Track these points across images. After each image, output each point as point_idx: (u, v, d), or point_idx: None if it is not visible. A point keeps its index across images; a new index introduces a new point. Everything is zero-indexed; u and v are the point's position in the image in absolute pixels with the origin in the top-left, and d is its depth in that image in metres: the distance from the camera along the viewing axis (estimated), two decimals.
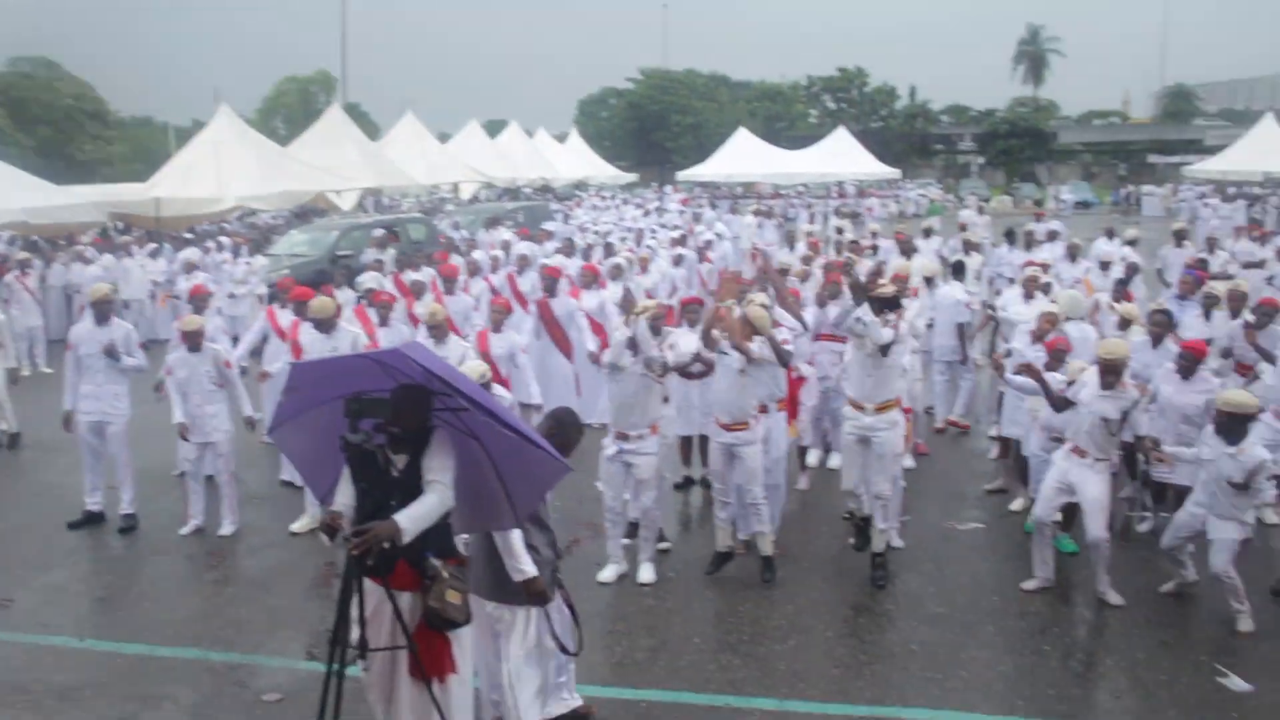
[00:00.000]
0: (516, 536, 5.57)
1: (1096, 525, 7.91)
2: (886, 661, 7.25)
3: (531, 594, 5.63)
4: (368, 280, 13.90)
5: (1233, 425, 7.48)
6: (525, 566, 5.57)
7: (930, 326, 12.60)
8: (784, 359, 8.66)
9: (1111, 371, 7.87)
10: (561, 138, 55.63)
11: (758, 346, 8.29)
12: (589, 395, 12.74)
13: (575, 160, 52.58)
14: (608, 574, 8.61)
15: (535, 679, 5.77)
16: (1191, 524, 7.81)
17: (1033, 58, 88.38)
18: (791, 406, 10.08)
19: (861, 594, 8.37)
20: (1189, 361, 8.72)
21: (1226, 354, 10.49)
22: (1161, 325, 9.79)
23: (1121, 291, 12.89)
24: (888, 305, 8.31)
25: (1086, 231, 32.52)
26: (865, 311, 8.02)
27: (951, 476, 11.42)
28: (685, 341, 8.96)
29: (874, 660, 7.28)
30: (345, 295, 13.23)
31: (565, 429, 6.01)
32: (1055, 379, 8.32)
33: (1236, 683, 6.81)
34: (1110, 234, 18.57)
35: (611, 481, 8.50)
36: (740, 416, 8.33)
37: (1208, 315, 11.10)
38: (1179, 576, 8.13)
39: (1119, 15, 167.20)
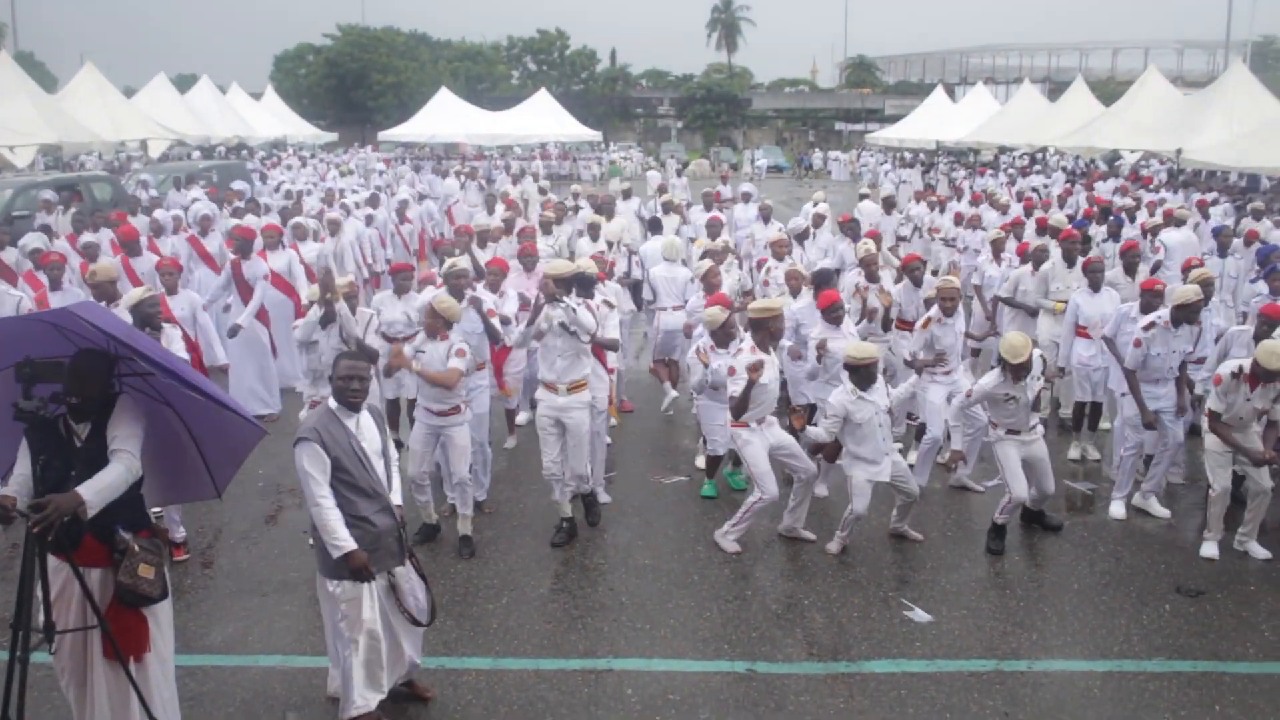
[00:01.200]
0: (327, 511, 5.36)
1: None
2: (598, 614, 7.31)
3: (352, 569, 5.39)
4: (32, 240, 12.82)
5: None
6: (339, 541, 5.34)
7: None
8: (494, 337, 8.79)
9: (758, 329, 8.22)
10: (257, 95, 53.02)
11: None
12: (285, 359, 12.34)
13: (272, 119, 50.23)
14: None
15: (367, 656, 5.55)
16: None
17: (726, 25, 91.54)
18: (498, 371, 10.08)
19: (571, 549, 8.41)
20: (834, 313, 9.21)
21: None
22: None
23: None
24: (584, 289, 8.51)
25: (779, 195, 34.04)
26: (565, 311, 8.07)
27: (655, 432, 11.67)
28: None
29: (585, 614, 7.32)
30: (10, 256, 12.16)
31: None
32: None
33: (919, 615, 7.28)
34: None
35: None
36: (450, 400, 8.15)
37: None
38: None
39: None
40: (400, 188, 24.86)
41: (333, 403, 5.62)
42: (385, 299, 9.94)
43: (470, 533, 8.42)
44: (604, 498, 9.24)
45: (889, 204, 21.06)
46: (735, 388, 8.01)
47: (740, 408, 8.05)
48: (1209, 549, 8.31)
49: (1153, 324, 8.86)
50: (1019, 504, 8.36)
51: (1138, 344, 8.87)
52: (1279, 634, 7.08)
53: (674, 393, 12.04)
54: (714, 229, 13.44)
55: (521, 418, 11.28)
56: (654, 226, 14.21)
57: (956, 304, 9.56)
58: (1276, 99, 30.83)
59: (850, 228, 14.65)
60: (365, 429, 5.62)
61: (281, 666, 6.57)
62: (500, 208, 18.14)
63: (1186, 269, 11.00)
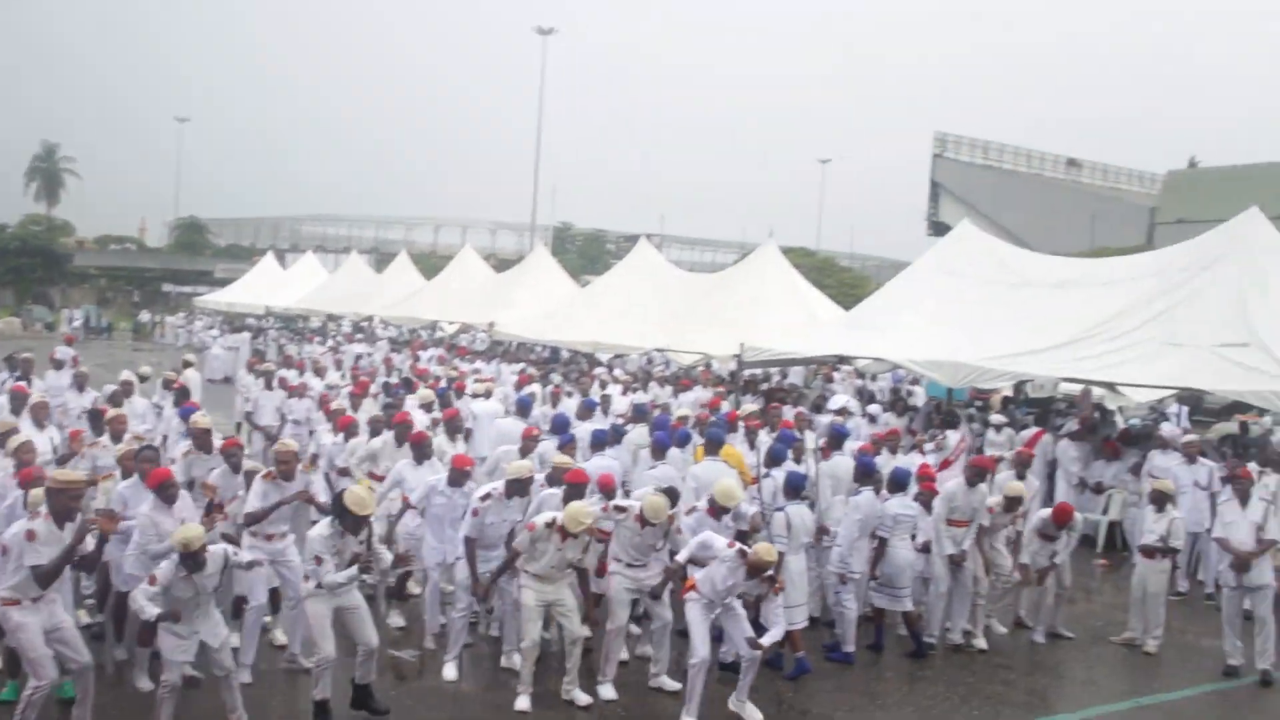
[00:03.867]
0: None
1: None
2: None
3: None
4: None
5: None
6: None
7: None
8: None
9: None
10: None
11: None
12: None
13: None
14: None
15: None
16: None
17: (47, 175, 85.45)
18: None
19: None
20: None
21: None
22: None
23: None
24: None
25: (100, 357, 32.00)
26: None
27: None
28: None
29: None
30: None
31: None
32: None
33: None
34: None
35: None
36: None
37: None
38: None
39: (138, 143, 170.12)
40: None
41: None
42: None
43: None
44: None
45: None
46: None
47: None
48: (522, 702, 8.79)
49: (489, 495, 9.46)
50: (328, 663, 8.32)
51: (475, 513, 9.39)
52: None
53: None
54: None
55: None
56: None
57: (293, 467, 9.49)
58: (570, 278, 34.99)
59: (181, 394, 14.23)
60: None
61: None
62: None
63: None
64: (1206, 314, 14.55)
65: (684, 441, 12.65)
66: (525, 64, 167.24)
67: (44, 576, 7.41)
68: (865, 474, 11.00)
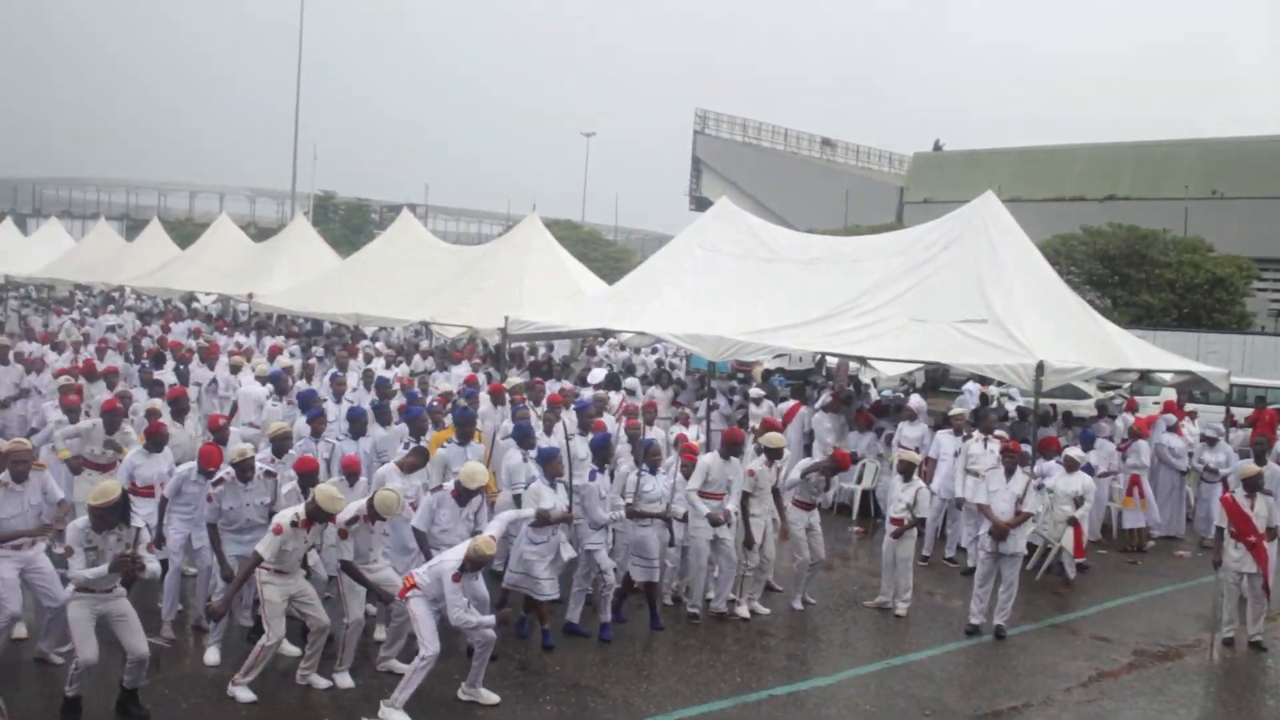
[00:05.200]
0: None
1: None
2: None
3: None
4: None
5: None
6: None
7: None
8: None
9: None
10: None
11: None
12: None
13: None
14: None
15: None
16: None
17: None
18: None
19: None
20: None
21: None
22: None
23: None
24: None
25: None
26: None
27: None
28: None
29: None
30: None
31: None
32: None
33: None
34: None
35: None
36: None
37: None
38: None
39: None
40: None
41: None
42: None
43: None
44: None
45: None
46: None
47: None
48: (244, 694, 8.52)
49: (221, 480, 9.18)
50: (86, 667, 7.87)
51: (209, 498, 9.15)
52: None
53: None
54: None
55: None
56: None
57: (28, 468, 8.79)
58: (332, 249, 34.02)
59: None
60: None
61: None
62: None
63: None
64: (948, 291, 15.34)
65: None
66: (289, 19, 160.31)
67: None
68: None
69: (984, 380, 21.07)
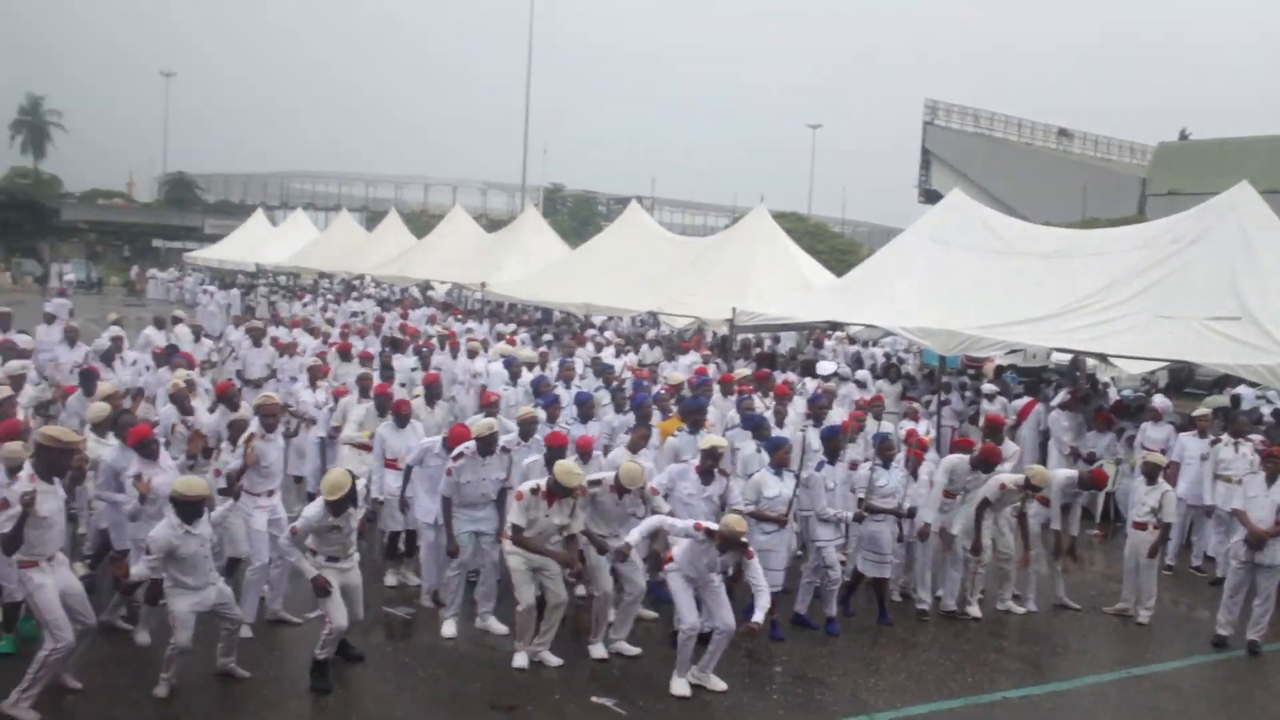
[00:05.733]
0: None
1: None
2: None
3: None
4: None
5: None
6: None
7: None
8: None
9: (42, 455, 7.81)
10: None
11: None
12: None
13: None
14: None
15: None
16: None
17: (33, 129, 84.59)
18: None
19: None
20: None
21: None
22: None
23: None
24: None
25: (92, 311, 31.79)
26: None
27: None
28: None
29: None
30: None
31: None
32: None
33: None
34: (160, 323, 19.04)
35: None
36: None
37: None
38: None
39: (125, 97, 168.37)
40: None
41: None
42: None
43: None
44: None
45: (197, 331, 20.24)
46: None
47: (11, 542, 7.40)
48: (519, 660, 8.98)
49: (461, 454, 9.54)
50: (339, 633, 8.43)
51: (449, 473, 9.52)
52: None
53: None
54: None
55: None
56: None
57: (278, 420, 9.71)
58: (561, 240, 34.88)
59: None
60: None
61: None
62: None
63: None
64: (1197, 287, 14.53)
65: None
66: (519, 22, 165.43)
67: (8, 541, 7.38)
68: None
69: (1231, 382, 19.88)
